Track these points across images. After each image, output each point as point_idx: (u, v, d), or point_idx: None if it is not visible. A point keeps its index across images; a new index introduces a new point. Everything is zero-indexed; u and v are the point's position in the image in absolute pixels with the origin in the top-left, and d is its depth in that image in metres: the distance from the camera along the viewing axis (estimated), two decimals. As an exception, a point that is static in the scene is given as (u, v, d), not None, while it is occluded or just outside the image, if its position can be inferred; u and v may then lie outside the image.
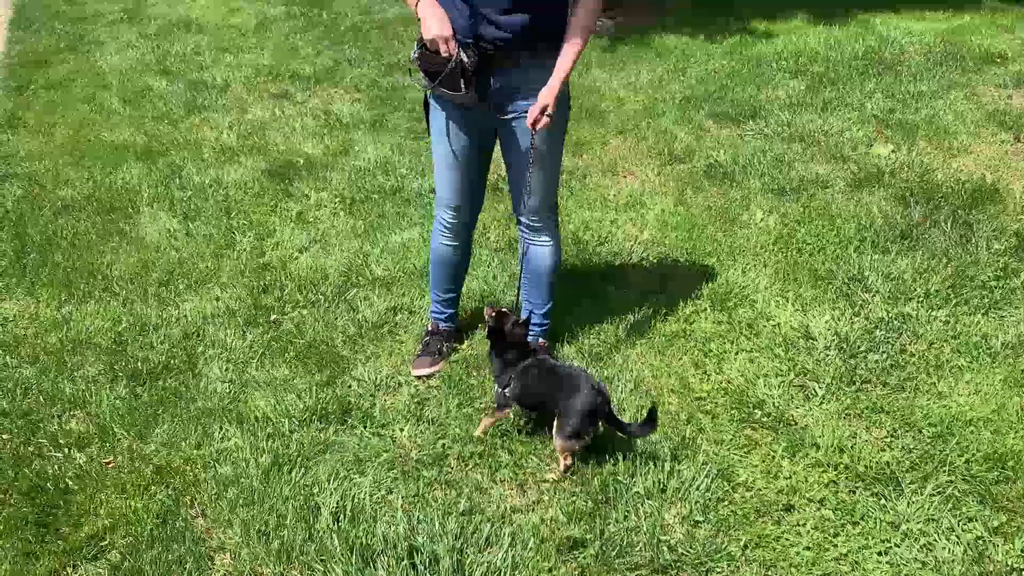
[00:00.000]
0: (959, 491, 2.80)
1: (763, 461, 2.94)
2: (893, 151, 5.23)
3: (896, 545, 2.63)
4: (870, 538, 2.66)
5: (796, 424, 3.11)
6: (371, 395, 3.25)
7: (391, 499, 2.77)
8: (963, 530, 2.67)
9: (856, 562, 2.58)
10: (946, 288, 3.85)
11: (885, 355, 3.45)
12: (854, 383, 3.31)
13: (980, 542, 2.64)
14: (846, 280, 3.92)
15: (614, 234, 4.35)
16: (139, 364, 3.41)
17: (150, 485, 2.83)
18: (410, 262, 4.10)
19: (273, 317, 3.72)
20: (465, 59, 2.73)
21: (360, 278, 3.99)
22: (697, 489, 2.79)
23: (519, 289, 3.28)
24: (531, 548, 2.58)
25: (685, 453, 2.94)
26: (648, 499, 2.76)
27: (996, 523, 2.69)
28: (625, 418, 3.01)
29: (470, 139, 3.04)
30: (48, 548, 2.61)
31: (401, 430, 3.07)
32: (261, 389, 3.28)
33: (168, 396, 3.24)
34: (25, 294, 3.89)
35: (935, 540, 2.64)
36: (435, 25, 2.70)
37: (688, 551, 2.60)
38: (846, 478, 2.87)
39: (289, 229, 4.44)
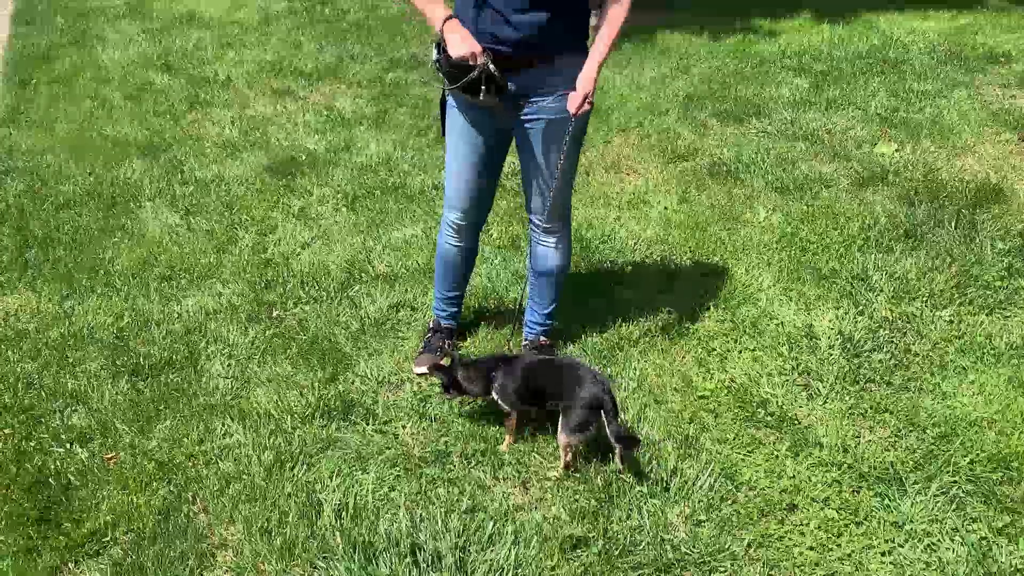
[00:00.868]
0: (963, 492, 2.79)
1: (766, 460, 2.94)
2: (897, 150, 5.22)
3: (900, 545, 2.62)
4: (874, 538, 2.65)
5: (800, 423, 3.10)
6: (374, 392, 3.25)
7: (394, 496, 2.76)
8: (967, 531, 2.66)
9: (859, 562, 2.58)
10: (950, 288, 3.84)
11: (889, 355, 3.44)
12: (858, 382, 3.30)
13: (984, 543, 2.63)
14: (850, 279, 3.91)
15: (617, 232, 4.35)
16: (141, 359, 3.41)
17: (152, 481, 2.82)
18: (412, 259, 4.09)
19: (275, 312, 3.71)
20: (492, 68, 2.72)
21: (362, 274, 3.98)
22: (700, 488, 2.79)
23: (523, 288, 3.27)
24: (534, 546, 2.58)
25: (688, 452, 2.93)
26: (651, 498, 2.75)
27: (1000, 524, 2.68)
28: (626, 416, 3.00)
29: (486, 140, 3.02)
30: (50, 543, 2.60)
31: (404, 427, 3.07)
32: (263, 385, 3.27)
33: (170, 392, 3.23)
34: (27, 288, 3.88)
35: (939, 541, 2.63)
36: (460, 45, 2.69)
37: (691, 550, 2.59)
38: (850, 478, 2.86)
39: (291, 225, 4.43)
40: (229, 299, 3.79)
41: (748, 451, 2.98)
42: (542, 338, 3.40)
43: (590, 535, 2.62)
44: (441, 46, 2.76)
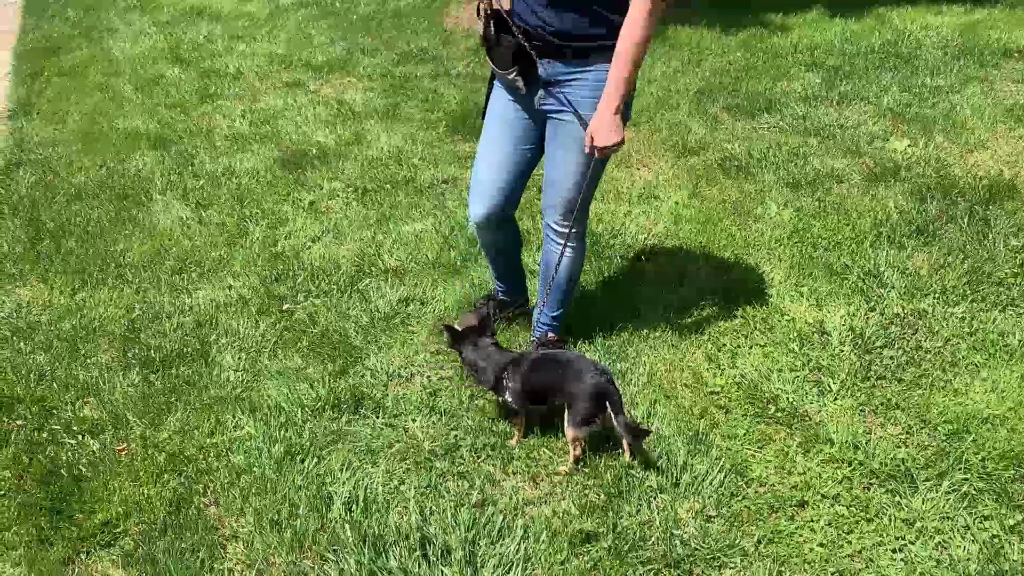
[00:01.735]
0: (975, 489, 2.78)
1: (777, 456, 2.93)
2: (910, 145, 5.18)
3: (911, 543, 2.62)
4: (884, 535, 2.64)
5: (810, 419, 3.09)
6: (384, 385, 3.25)
7: (403, 490, 2.77)
8: (979, 528, 2.65)
9: (870, 559, 2.57)
10: (963, 284, 3.82)
11: (900, 351, 3.43)
12: (869, 379, 3.29)
13: (996, 540, 2.61)
14: (861, 275, 3.89)
15: (627, 226, 4.33)
16: (152, 352, 3.42)
17: (163, 473, 2.84)
18: (423, 253, 4.09)
19: (286, 306, 3.72)
20: (504, 11, 2.75)
21: (373, 268, 3.98)
22: (710, 484, 2.78)
23: (540, 288, 3.27)
24: (543, 541, 2.58)
25: (698, 448, 2.93)
26: (661, 493, 2.75)
27: (1012, 521, 2.67)
28: (636, 412, 2.99)
29: (518, 127, 3.01)
30: (62, 534, 2.62)
31: (414, 421, 3.07)
32: (274, 378, 3.27)
33: (181, 384, 3.25)
34: (39, 280, 3.90)
35: (950, 538, 2.62)
36: None
37: (701, 546, 2.59)
38: (860, 474, 2.85)
39: (302, 218, 4.44)
40: (240, 292, 3.80)
41: (758, 447, 2.97)
42: (551, 334, 3.39)
43: (600, 530, 2.62)
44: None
